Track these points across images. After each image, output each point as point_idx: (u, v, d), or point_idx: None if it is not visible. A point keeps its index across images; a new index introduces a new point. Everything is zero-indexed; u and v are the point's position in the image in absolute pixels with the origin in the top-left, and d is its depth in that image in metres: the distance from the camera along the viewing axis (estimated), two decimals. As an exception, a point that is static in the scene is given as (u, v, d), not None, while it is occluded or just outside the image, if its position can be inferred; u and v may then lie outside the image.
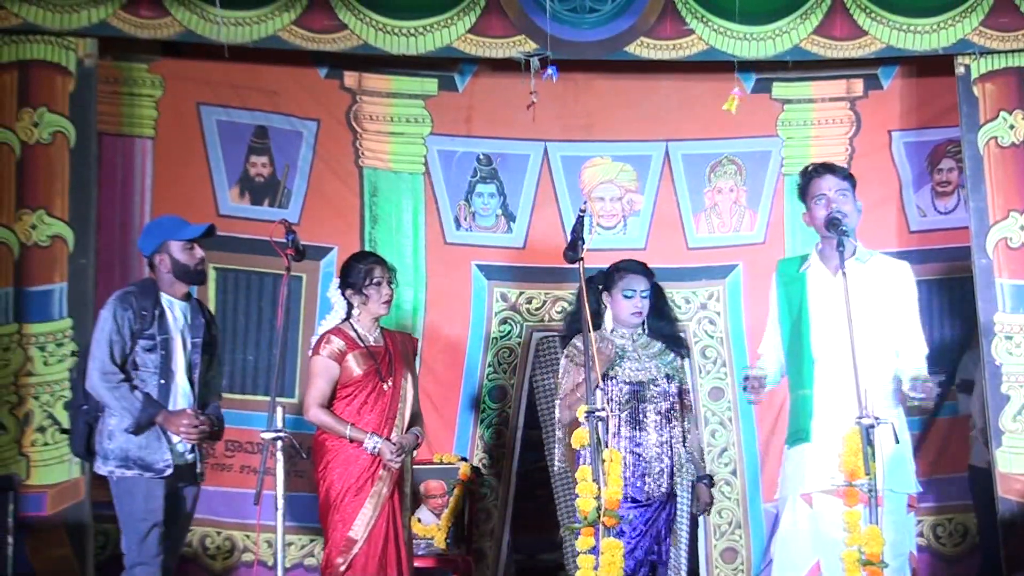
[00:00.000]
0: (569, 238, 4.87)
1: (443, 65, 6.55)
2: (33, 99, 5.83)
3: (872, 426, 4.23)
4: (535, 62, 5.91)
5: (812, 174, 4.75)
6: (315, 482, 5.42)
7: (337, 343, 5.39)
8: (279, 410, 4.44)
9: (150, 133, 6.39)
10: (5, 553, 5.42)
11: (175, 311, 5.05)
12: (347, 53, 6.17)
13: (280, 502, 4.36)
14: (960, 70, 6.03)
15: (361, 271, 5.45)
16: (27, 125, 5.83)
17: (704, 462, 5.57)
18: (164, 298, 5.03)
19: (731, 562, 6.52)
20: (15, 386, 5.75)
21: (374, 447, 5.29)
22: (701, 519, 6.38)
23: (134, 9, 5.90)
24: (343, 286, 5.50)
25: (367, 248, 6.47)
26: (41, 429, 5.75)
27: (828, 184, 4.66)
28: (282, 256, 4.75)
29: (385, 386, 5.39)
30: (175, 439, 4.94)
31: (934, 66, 6.33)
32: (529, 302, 6.62)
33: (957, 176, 6.54)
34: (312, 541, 6.36)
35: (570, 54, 6.08)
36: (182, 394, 5.00)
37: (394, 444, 5.32)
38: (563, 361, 5.53)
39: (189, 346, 5.05)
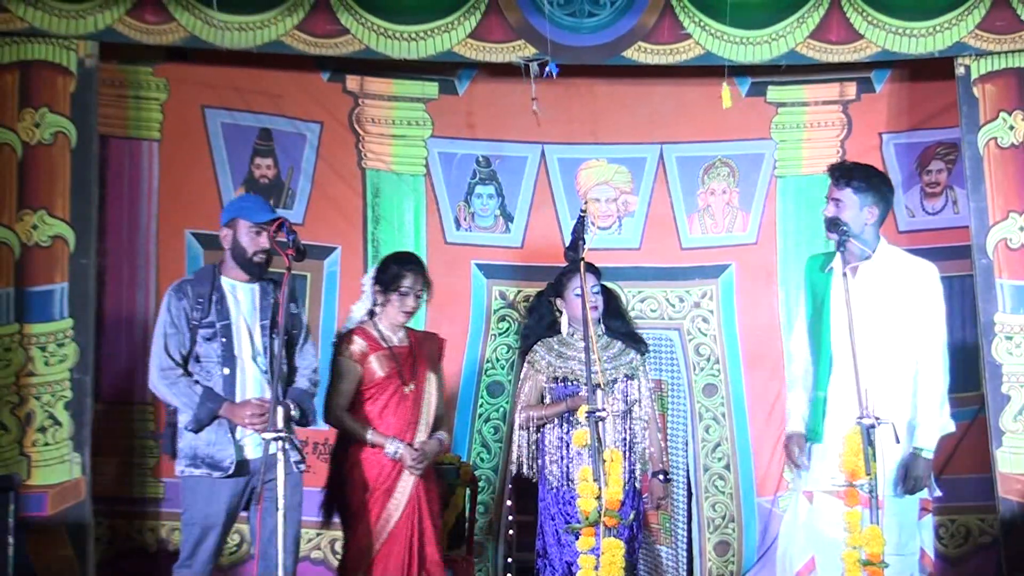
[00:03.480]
0: (569, 239, 4.56)
1: (444, 69, 6.19)
2: (34, 100, 5.43)
3: (872, 426, 3.97)
4: (534, 67, 5.52)
5: (833, 174, 4.45)
6: (341, 484, 4.87)
7: (359, 344, 4.84)
8: (279, 409, 4.04)
9: (156, 136, 6.01)
10: (5, 553, 4.94)
11: (238, 294, 4.47)
12: (349, 58, 5.77)
13: (281, 501, 3.96)
14: (960, 71, 5.61)
15: (391, 274, 4.90)
16: (28, 125, 5.42)
17: (662, 457, 5.29)
18: (225, 282, 4.48)
19: (723, 555, 6.14)
20: (16, 386, 5.34)
21: (395, 452, 4.73)
22: (695, 516, 6.12)
23: (139, 15, 5.51)
24: (375, 280, 4.95)
25: (370, 247, 6.18)
26: (42, 429, 5.33)
27: (834, 191, 4.41)
28: (283, 256, 4.30)
29: (407, 389, 4.84)
30: (244, 432, 4.37)
31: (928, 69, 5.95)
32: (527, 300, 6.20)
33: (946, 178, 6.18)
34: (318, 535, 5.99)
35: (569, 59, 5.69)
36: (253, 382, 4.42)
37: (416, 450, 4.76)
38: (524, 367, 5.26)
39: (258, 330, 4.45)
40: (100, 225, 5.59)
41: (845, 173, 4.42)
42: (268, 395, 4.40)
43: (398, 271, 4.90)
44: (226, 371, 4.40)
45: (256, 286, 4.52)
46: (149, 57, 5.91)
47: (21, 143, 5.40)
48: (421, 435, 4.82)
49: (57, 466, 5.28)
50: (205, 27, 5.51)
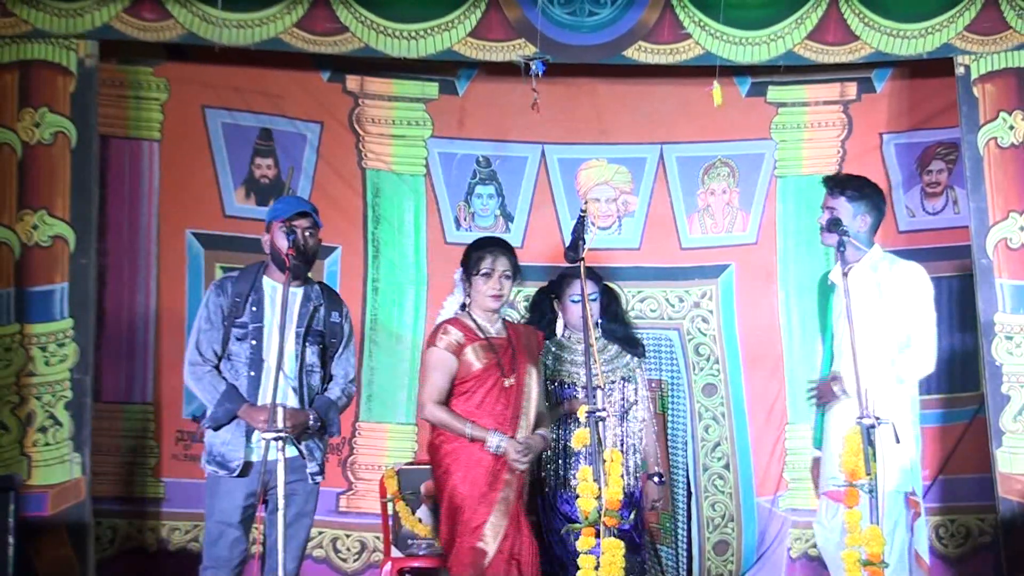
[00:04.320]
0: (569, 239, 4.52)
1: (444, 69, 6.15)
2: (34, 99, 5.38)
3: (872, 426, 3.99)
4: (534, 66, 5.44)
5: (828, 183, 4.59)
6: (435, 488, 4.71)
7: (455, 334, 4.59)
8: (279, 410, 4.03)
9: (156, 136, 5.97)
10: (6, 553, 4.91)
11: (277, 297, 4.33)
12: (348, 56, 5.74)
13: (282, 502, 3.98)
14: (960, 71, 5.57)
15: (472, 258, 4.66)
16: (28, 125, 5.37)
17: (657, 459, 5.27)
18: (266, 283, 4.43)
19: (723, 554, 6.11)
20: (17, 386, 5.29)
21: (498, 446, 4.46)
22: (695, 515, 6.10)
23: (137, 12, 5.47)
24: (461, 269, 4.75)
25: (370, 247, 6.16)
26: (43, 429, 5.29)
27: (828, 200, 4.53)
28: (283, 256, 4.32)
29: (507, 382, 4.57)
30: (256, 435, 4.34)
31: (928, 69, 5.91)
32: (527, 300, 6.08)
33: (946, 178, 6.14)
34: (320, 533, 5.95)
35: (569, 58, 5.67)
36: (277, 386, 4.25)
37: (520, 443, 4.51)
38: None
39: (291, 336, 4.36)
40: (100, 225, 5.55)
41: (839, 183, 4.56)
42: (291, 400, 4.37)
43: (479, 254, 4.66)
44: (251, 373, 4.37)
45: (299, 291, 4.45)
46: (149, 56, 5.87)
47: (21, 143, 5.35)
48: (523, 432, 4.57)
49: (57, 466, 5.24)
50: (203, 24, 5.47)
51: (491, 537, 4.46)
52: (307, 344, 4.44)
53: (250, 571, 5.62)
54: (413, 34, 5.59)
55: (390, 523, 5.37)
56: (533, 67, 5.29)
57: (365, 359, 6.08)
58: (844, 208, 4.45)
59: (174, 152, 5.97)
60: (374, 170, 6.21)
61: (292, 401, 4.38)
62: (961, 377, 5.94)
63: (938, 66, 5.74)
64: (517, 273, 4.73)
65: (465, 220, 6.29)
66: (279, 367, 4.21)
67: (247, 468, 4.36)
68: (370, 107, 6.20)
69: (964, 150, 5.58)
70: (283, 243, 4.36)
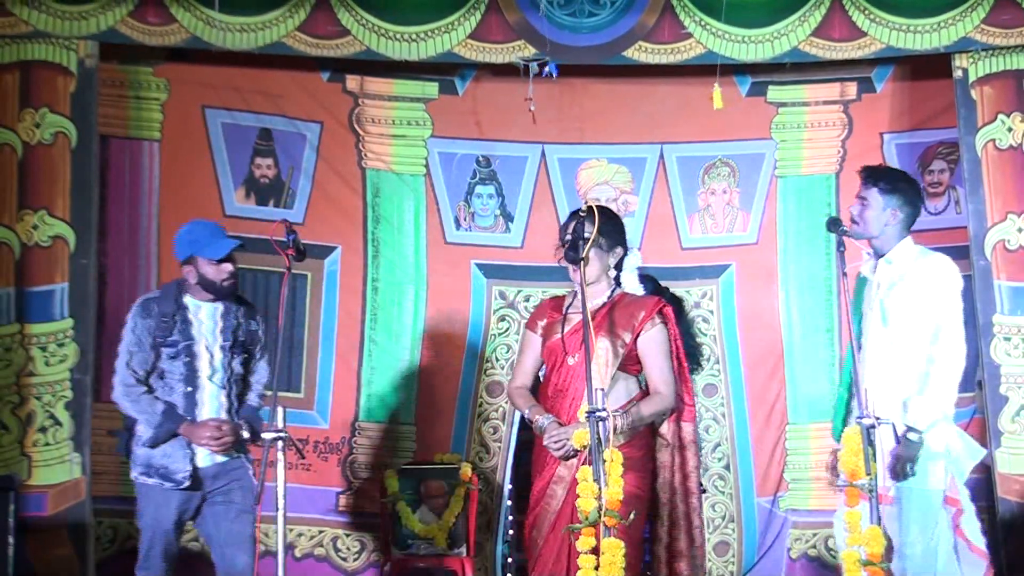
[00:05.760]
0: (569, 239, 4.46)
1: (444, 69, 6.17)
2: (35, 100, 5.44)
3: (872, 426, 3.98)
4: (533, 67, 5.51)
5: (863, 173, 4.55)
6: None
7: (540, 312, 4.48)
8: (279, 409, 4.08)
9: (156, 136, 6.00)
10: (5, 553, 4.99)
11: (201, 314, 4.56)
12: (350, 59, 5.79)
13: (281, 502, 4.03)
14: (958, 73, 5.59)
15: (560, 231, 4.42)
16: (29, 126, 5.42)
17: (698, 471, 5.10)
18: (190, 302, 4.55)
19: (723, 555, 6.13)
20: (17, 386, 5.35)
21: (539, 428, 4.27)
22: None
23: (141, 16, 5.53)
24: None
25: (370, 247, 6.18)
26: (43, 429, 5.35)
27: (861, 190, 4.50)
28: (282, 256, 4.36)
29: (570, 360, 4.33)
30: (202, 451, 4.48)
31: (928, 68, 5.92)
32: (527, 300, 6.22)
33: (948, 177, 6.15)
34: (320, 532, 6.01)
35: (569, 59, 5.69)
36: (210, 399, 4.52)
37: (555, 430, 4.24)
38: None
39: (218, 350, 4.53)
40: (100, 225, 5.60)
41: (873, 174, 4.53)
42: (224, 413, 4.52)
43: (564, 224, 4.43)
44: (188, 389, 4.49)
45: (219, 305, 4.59)
46: (149, 57, 5.90)
47: (21, 143, 5.40)
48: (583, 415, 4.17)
49: (57, 466, 5.30)
50: (207, 28, 5.53)
51: (548, 515, 4.34)
52: (234, 355, 4.59)
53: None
54: (413, 36, 5.63)
55: (390, 523, 5.41)
56: (548, 68, 5.36)
57: (365, 359, 6.12)
58: (875, 200, 4.41)
59: (174, 152, 5.99)
60: (374, 170, 6.23)
61: (223, 413, 4.54)
62: (961, 377, 5.93)
63: (938, 66, 5.75)
64: (602, 237, 4.29)
65: (465, 220, 6.31)
66: (279, 371, 4.29)
67: (196, 482, 4.47)
68: (370, 107, 6.22)
69: (962, 152, 5.60)
70: (214, 274, 4.51)
